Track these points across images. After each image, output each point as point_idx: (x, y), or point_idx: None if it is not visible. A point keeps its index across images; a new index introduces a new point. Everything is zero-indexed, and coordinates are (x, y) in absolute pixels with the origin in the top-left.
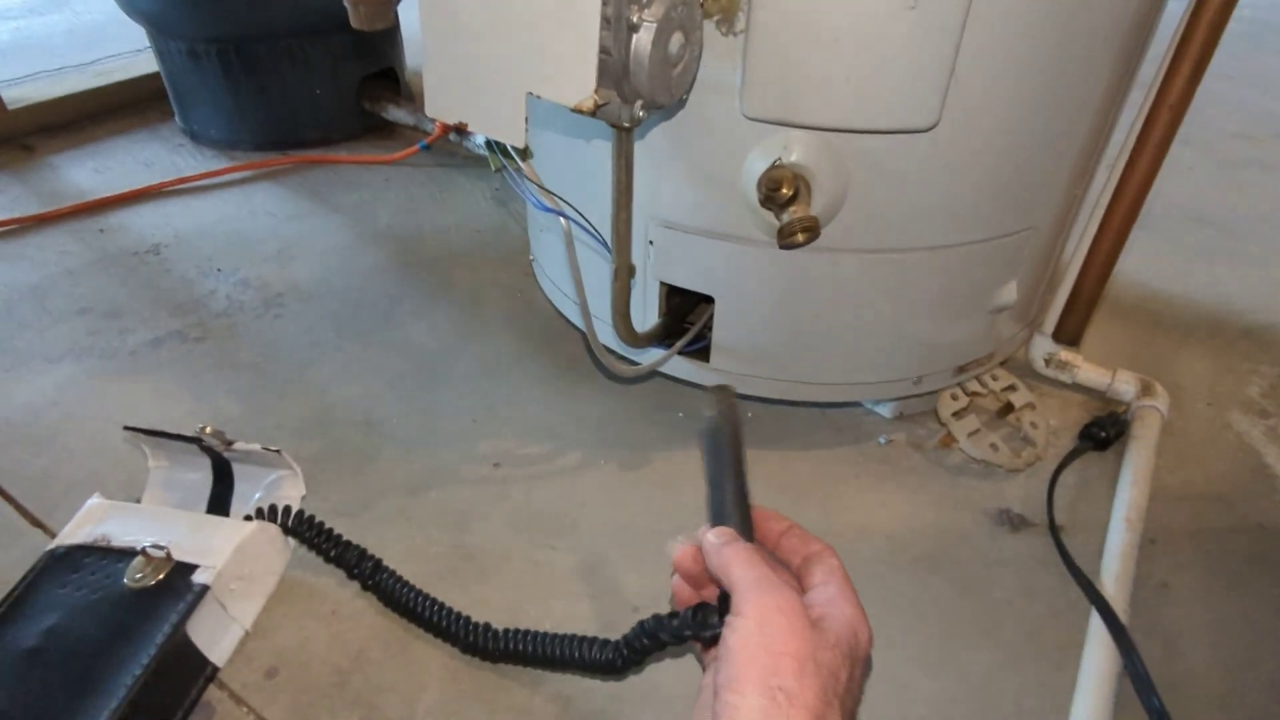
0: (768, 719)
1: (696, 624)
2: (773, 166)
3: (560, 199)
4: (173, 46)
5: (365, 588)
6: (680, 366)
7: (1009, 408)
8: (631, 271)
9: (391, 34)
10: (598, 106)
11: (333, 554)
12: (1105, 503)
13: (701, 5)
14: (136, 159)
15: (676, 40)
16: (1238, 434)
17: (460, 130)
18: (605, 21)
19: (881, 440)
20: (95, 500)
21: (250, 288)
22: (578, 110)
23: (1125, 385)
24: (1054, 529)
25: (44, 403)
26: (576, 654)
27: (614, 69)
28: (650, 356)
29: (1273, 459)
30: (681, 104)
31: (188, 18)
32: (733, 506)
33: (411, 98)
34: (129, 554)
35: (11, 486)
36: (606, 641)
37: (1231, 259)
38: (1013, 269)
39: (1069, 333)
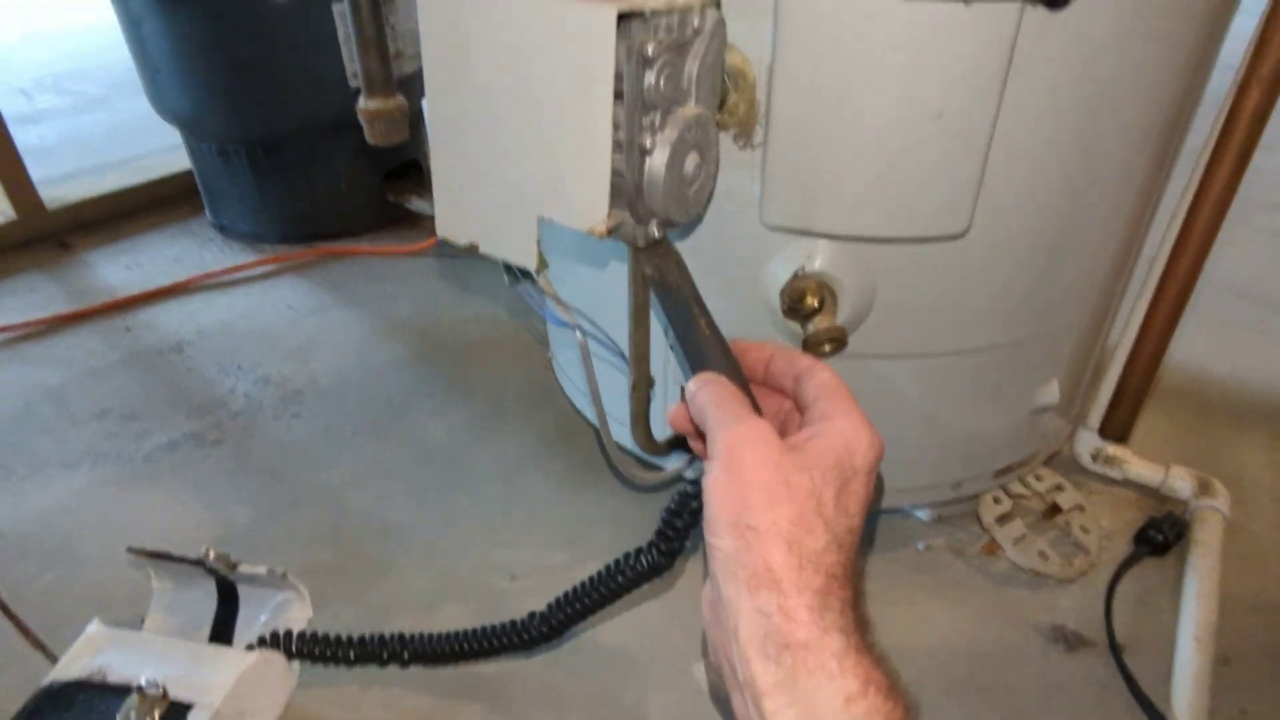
0: (739, 560)
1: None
2: (795, 277)
3: (576, 311)
4: (204, 147)
5: (406, 663)
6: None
7: (1056, 508)
8: (650, 384)
9: (418, 125)
10: (610, 230)
11: (353, 655)
12: (1169, 616)
13: (717, 121)
14: (167, 254)
15: (692, 160)
16: None
17: (473, 250)
18: (617, 145)
19: (920, 546)
20: (94, 628)
21: (270, 385)
22: (591, 233)
23: (1180, 482)
24: (1115, 649)
25: (57, 511)
26: (624, 577)
27: (627, 190)
28: (671, 461)
29: None
30: (699, 219)
31: (219, 121)
32: (708, 347)
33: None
34: (124, 690)
35: (17, 602)
36: (640, 549)
37: (1270, 334)
38: (1053, 368)
39: (1116, 428)
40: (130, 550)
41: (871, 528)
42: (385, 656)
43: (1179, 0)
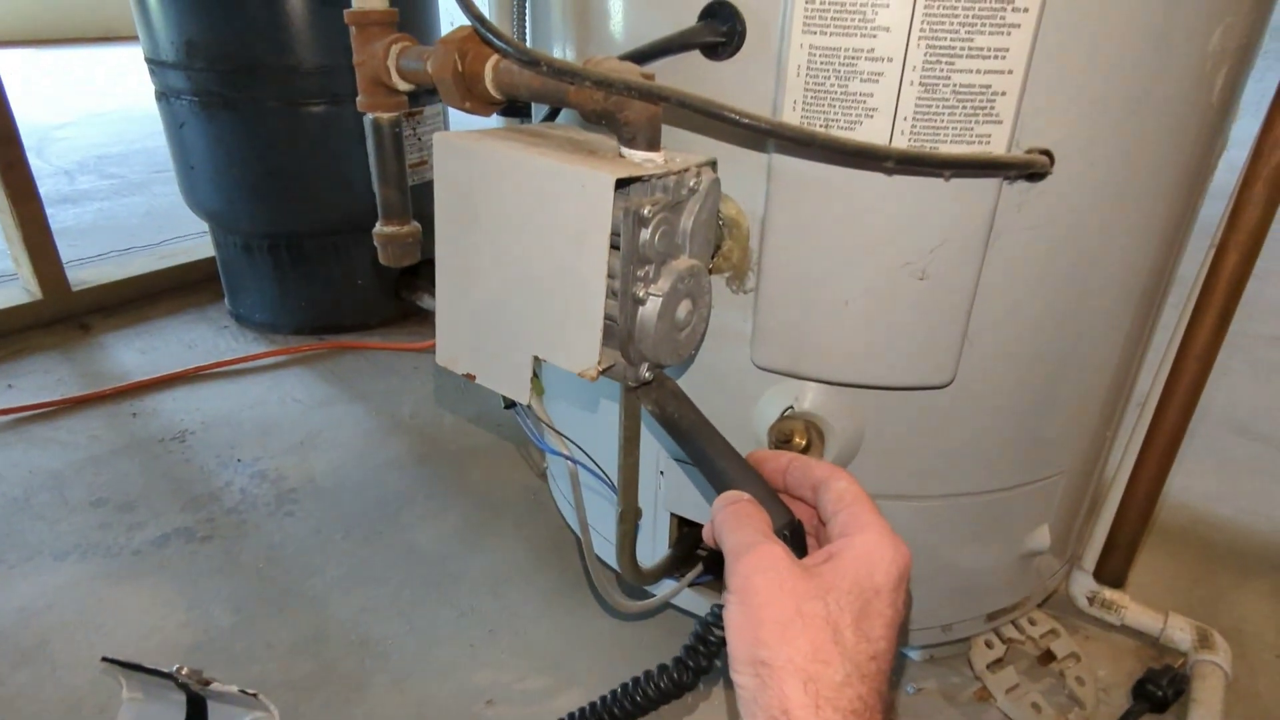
0: (756, 701)
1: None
2: (784, 416)
3: (568, 440)
4: (230, 239)
5: None
6: (692, 600)
7: (1050, 655)
8: (638, 514)
9: (430, 229)
10: (601, 373)
11: None
12: None
13: (712, 266)
14: (182, 340)
15: (684, 307)
16: None
17: (469, 379)
18: (612, 293)
19: (910, 690)
20: None
21: (266, 480)
22: (582, 376)
23: (1180, 633)
24: None
25: (40, 606)
26: (644, 696)
27: (620, 335)
28: (660, 588)
29: None
30: (691, 359)
31: (247, 216)
32: (727, 464)
33: None
34: None
35: None
36: (664, 665)
37: (1273, 472)
38: (1043, 514)
39: (1113, 572)
40: (105, 660)
41: None
42: None
43: (1153, 168)
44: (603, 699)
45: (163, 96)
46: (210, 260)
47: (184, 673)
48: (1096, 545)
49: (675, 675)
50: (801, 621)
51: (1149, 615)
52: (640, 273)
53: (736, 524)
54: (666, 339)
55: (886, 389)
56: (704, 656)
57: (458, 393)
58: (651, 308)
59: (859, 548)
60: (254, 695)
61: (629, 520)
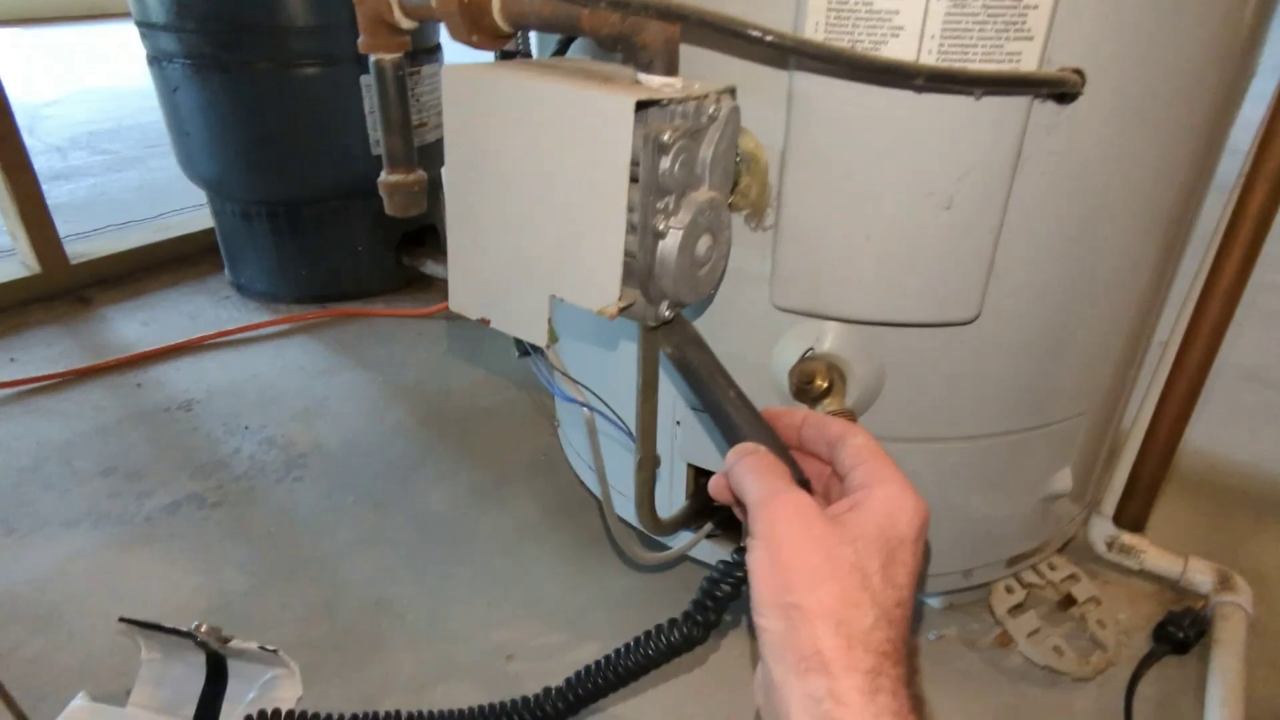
0: (787, 644)
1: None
2: (804, 358)
3: (584, 387)
4: (228, 207)
5: None
6: (710, 550)
7: (1070, 599)
8: (656, 462)
9: (435, 190)
10: (621, 310)
11: None
12: None
13: (730, 203)
14: (183, 311)
15: (704, 243)
16: None
17: (484, 323)
18: (631, 228)
19: (932, 636)
20: (78, 702)
21: (275, 447)
22: (601, 314)
23: (1200, 576)
24: None
25: (53, 574)
26: (654, 650)
27: (639, 271)
28: (676, 540)
29: None
30: (710, 299)
31: (244, 183)
32: (742, 417)
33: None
34: None
35: (3, 669)
36: (674, 620)
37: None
38: (1065, 455)
39: (1132, 516)
40: (122, 620)
41: None
42: None
43: (1184, 92)
44: (614, 653)
45: (154, 61)
46: (209, 232)
47: (203, 630)
48: (1116, 490)
49: (685, 629)
50: (831, 566)
51: (1168, 559)
52: (660, 205)
53: (759, 472)
54: (687, 275)
55: (910, 326)
56: (712, 611)
57: (462, 357)
58: (672, 241)
59: (882, 498)
60: (274, 651)
61: (648, 468)
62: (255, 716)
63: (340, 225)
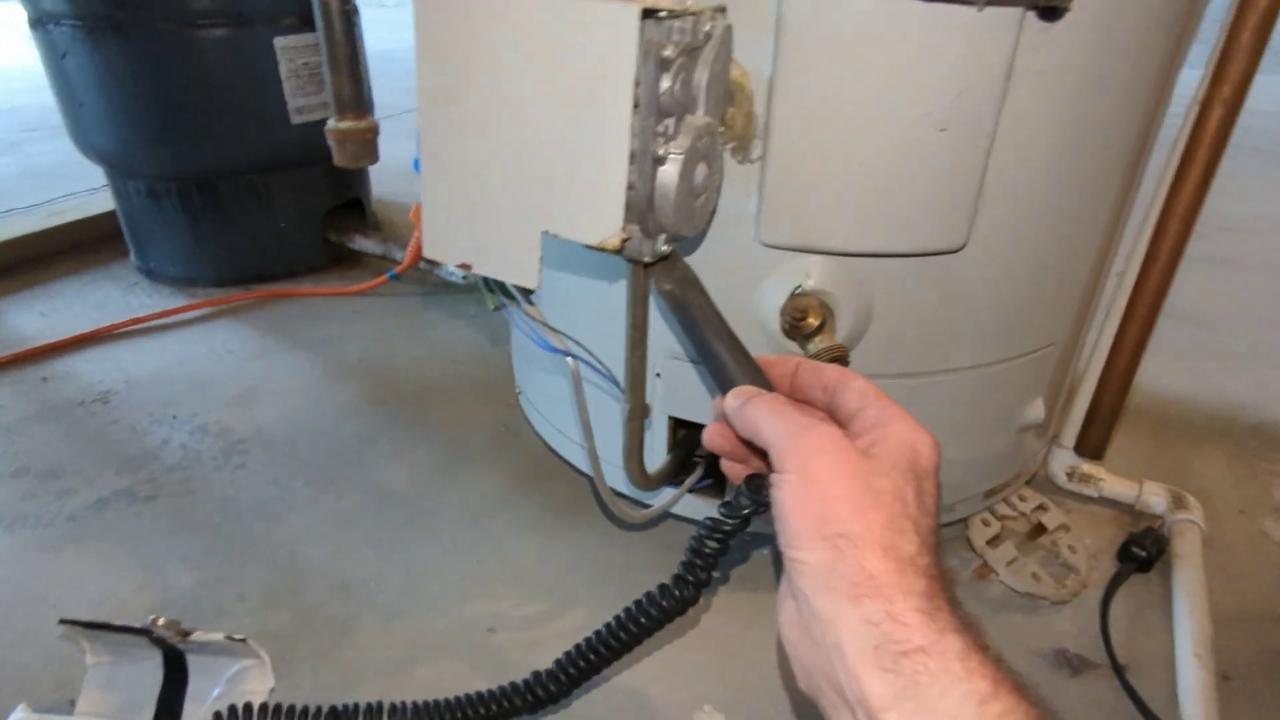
0: (835, 572)
1: (753, 493)
2: (795, 295)
3: (567, 337)
4: (131, 185)
5: None
6: (691, 505)
7: (1041, 528)
8: (646, 412)
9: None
10: (624, 243)
11: None
12: (1163, 634)
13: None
14: (87, 300)
15: (701, 171)
16: (1277, 543)
17: (465, 268)
18: (630, 155)
19: None
20: (18, 715)
21: (209, 435)
22: (601, 249)
23: (1155, 498)
24: (1119, 671)
25: None
26: (646, 618)
27: (638, 203)
28: (659, 497)
29: None
30: (701, 236)
31: (149, 157)
32: (736, 364)
33: (378, 227)
34: None
35: None
36: (665, 585)
37: (1219, 357)
38: (1038, 386)
39: (1092, 446)
40: (63, 622)
41: None
42: None
43: (1150, 20)
44: (606, 627)
45: (39, 24)
46: (108, 215)
47: (161, 624)
48: (1076, 421)
49: (678, 593)
50: (873, 496)
51: (1124, 484)
52: (660, 127)
53: (778, 411)
54: (685, 205)
55: (900, 256)
56: (703, 569)
57: (406, 333)
58: (673, 168)
59: (901, 434)
60: (242, 641)
61: (638, 419)
62: (226, 713)
63: (261, 201)
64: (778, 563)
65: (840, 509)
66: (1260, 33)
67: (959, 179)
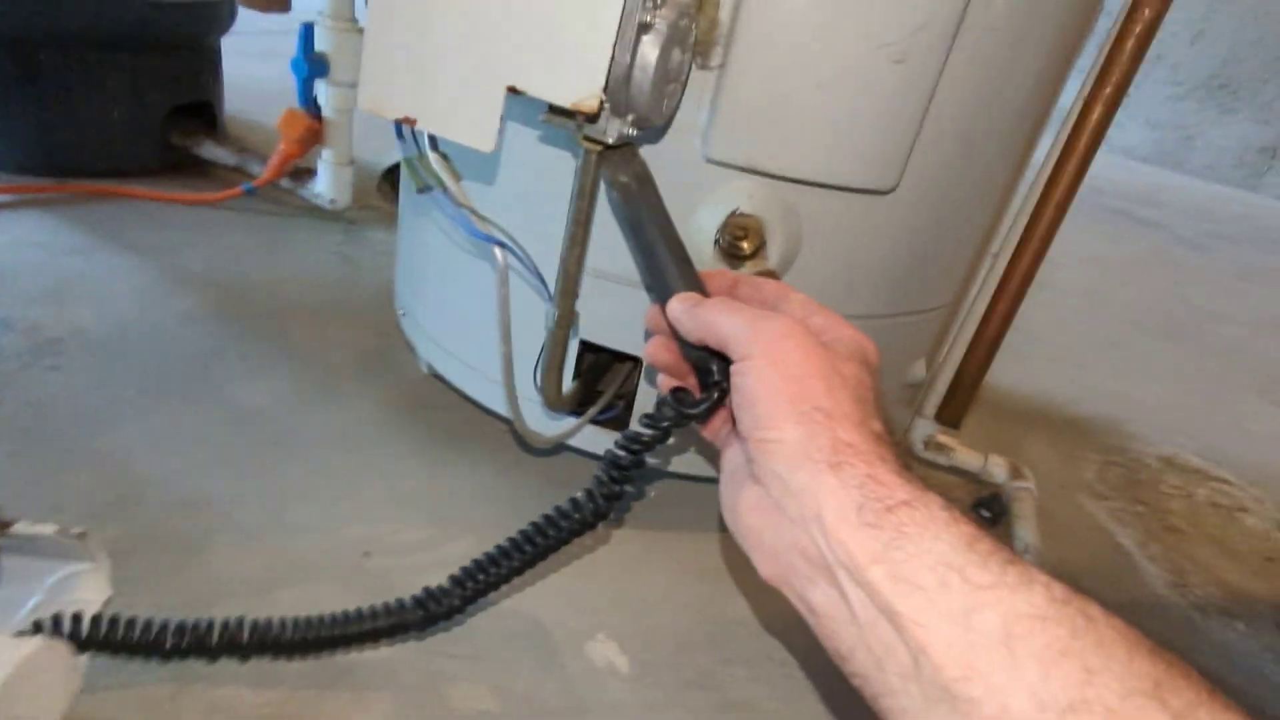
0: (812, 444)
1: (678, 404)
2: (736, 214)
3: (497, 228)
4: None
5: (248, 653)
6: (591, 438)
7: None
8: (574, 319)
9: (211, 65)
10: (602, 107)
11: (173, 645)
12: None
13: None
14: None
15: (676, 54)
16: (1089, 514)
17: (408, 123)
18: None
19: None
20: None
21: (11, 331)
22: (577, 110)
23: (997, 468)
24: None
25: None
26: (555, 530)
27: (615, 74)
28: (561, 426)
29: (1124, 539)
30: (660, 134)
31: None
32: (681, 272)
33: (231, 140)
34: None
35: None
36: (575, 498)
37: (1042, 360)
38: (923, 346)
39: (952, 416)
40: None
41: None
42: (218, 645)
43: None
44: (512, 540)
45: None
46: None
47: None
48: (939, 391)
49: (592, 504)
50: (840, 378)
51: (973, 455)
52: None
53: (733, 307)
54: (659, 85)
55: (836, 189)
56: (616, 482)
57: (264, 252)
58: (654, 39)
59: (850, 334)
60: (79, 537)
61: (565, 326)
62: (50, 622)
63: (91, 83)
64: (714, 461)
65: (813, 386)
66: (1142, 40)
67: (904, 116)
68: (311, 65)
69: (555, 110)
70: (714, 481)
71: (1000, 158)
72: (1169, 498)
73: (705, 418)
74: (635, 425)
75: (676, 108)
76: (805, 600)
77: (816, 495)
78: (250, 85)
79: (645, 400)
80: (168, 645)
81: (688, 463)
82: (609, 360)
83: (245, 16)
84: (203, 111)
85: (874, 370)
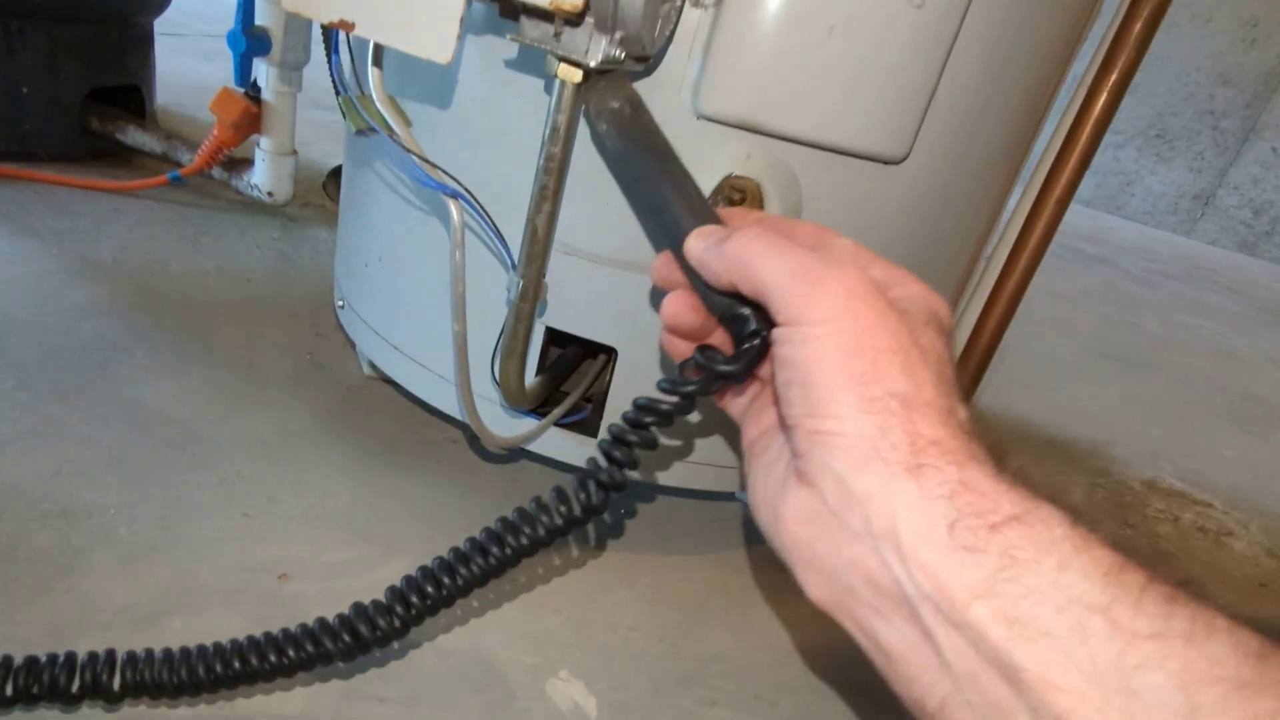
0: (884, 440)
1: (709, 361)
2: (732, 176)
3: (450, 176)
4: None
5: (120, 696)
6: (555, 444)
7: None
8: (541, 293)
9: (140, 47)
10: (586, 10)
11: (18, 688)
12: None
13: None
14: None
15: None
16: None
17: (345, 27)
18: None
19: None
20: None
21: None
22: (557, 9)
23: None
24: None
25: None
26: (531, 530)
27: None
28: (519, 428)
29: None
30: (649, 71)
31: None
32: (693, 207)
33: (159, 128)
34: None
35: None
36: (561, 488)
37: (1019, 386)
38: None
39: None
40: None
41: (735, 516)
42: (81, 687)
43: None
44: (488, 532)
45: None
46: None
47: None
48: None
49: (590, 494)
50: (920, 354)
51: None
52: None
53: (778, 246)
54: (652, 9)
55: (842, 154)
56: (622, 464)
57: (185, 245)
58: None
59: (920, 291)
60: None
61: (530, 300)
62: None
63: (1, 54)
64: (739, 454)
65: (888, 363)
66: (1150, 24)
67: (921, 71)
68: (250, 41)
69: (530, 10)
70: (690, 495)
71: (1008, 137)
72: (1157, 521)
73: (743, 378)
74: (651, 393)
75: (669, 39)
76: (871, 635)
77: (890, 506)
78: (190, 82)
79: (619, 402)
80: (7, 691)
81: (653, 472)
82: (576, 358)
83: (174, 18)
84: (130, 98)
85: (950, 339)
